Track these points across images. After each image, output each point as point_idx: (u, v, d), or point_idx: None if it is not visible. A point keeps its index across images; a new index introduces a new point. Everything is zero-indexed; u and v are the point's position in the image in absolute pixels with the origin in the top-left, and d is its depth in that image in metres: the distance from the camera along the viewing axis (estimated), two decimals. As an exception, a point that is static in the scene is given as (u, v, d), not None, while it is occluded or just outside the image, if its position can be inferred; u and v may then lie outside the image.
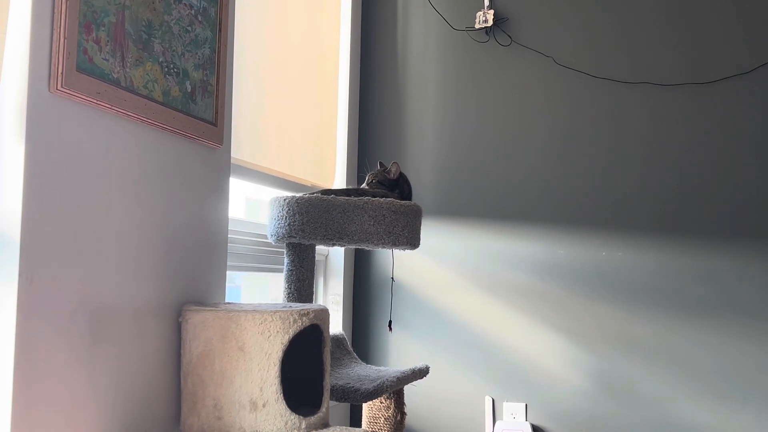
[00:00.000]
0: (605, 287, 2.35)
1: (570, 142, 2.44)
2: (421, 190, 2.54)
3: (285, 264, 1.77)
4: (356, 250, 2.64)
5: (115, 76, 1.28)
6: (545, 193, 2.44)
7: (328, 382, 1.44)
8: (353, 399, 1.65)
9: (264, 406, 1.33)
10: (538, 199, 2.44)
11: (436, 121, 2.60)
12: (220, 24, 1.59)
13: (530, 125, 2.49)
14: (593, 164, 2.40)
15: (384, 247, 1.73)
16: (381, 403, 1.91)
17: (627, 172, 2.38)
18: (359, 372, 1.89)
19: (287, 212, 1.68)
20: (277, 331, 1.34)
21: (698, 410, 2.23)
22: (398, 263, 2.54)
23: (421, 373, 1.96)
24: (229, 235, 1.73)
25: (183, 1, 1.47)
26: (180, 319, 1.44)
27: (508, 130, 2.52)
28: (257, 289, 2.64)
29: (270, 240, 1.75)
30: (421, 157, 2.59)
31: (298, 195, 1.71)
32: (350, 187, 2.17)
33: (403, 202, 1.73)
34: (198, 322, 1.40)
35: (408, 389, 1.99)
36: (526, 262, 2.42)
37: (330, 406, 1.77)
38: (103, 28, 1.25)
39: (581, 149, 2.43)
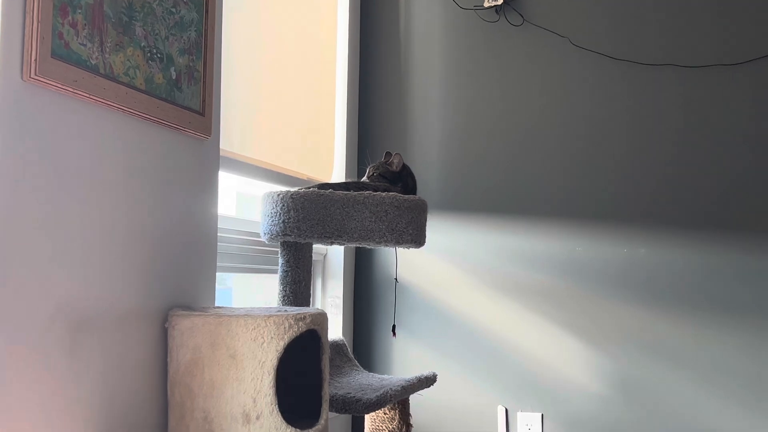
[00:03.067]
0: (627, 287, 2.34)
1: (588, 130, 2.43)
2: (427, 183, 2.53)
3: (279, 264, 1.77)
4: (357, 249, 2.63)
5: (94, 62, 1.27)
6: (562, 186, 2.43)
7: (327, 392, 1.44)
8: (354, 410, 1.65)
9: (258, 418, 1.33)
10: (555, 192, 2.44)
11: (443, 108, 2.59)
12: (206, 5, 1.59)
13: (545, 112, 2.48)
14: (614, 154, 2.40)
15: (387, 246, 1.73)
16: (385, 414, 1.91)
17: (651, 162, 2.36)
18: (361, 381, 1.89)
19: (281, 208, 1.68)
20: (272, 338, 1.34)
21: (728, 420, 2.23)
22: (402, 263, 2.53)
23: (427, 381, 1.96)
24: (218, 234, 1.74)
25: (166, -20, 1.47)
26: (166, 325, 1.44)
27: (520, 118, 2.51)
28: (250, 291, 2.66)
29: (263, 238, 1.76)
30: (427, 147, 2.59)
31: (293, 190, 1.71)
32: (349, 180, 2.17)
33: (407, 196, 1.73)
34: (186, 328, 1.40)
35: (414, 399, 1.99)
36: (541, 261, 2.41)
37: (329, 417, 1.77)
38: (79, 11, 1.24)
39: (601, 138, 2.42)
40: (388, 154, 1.95)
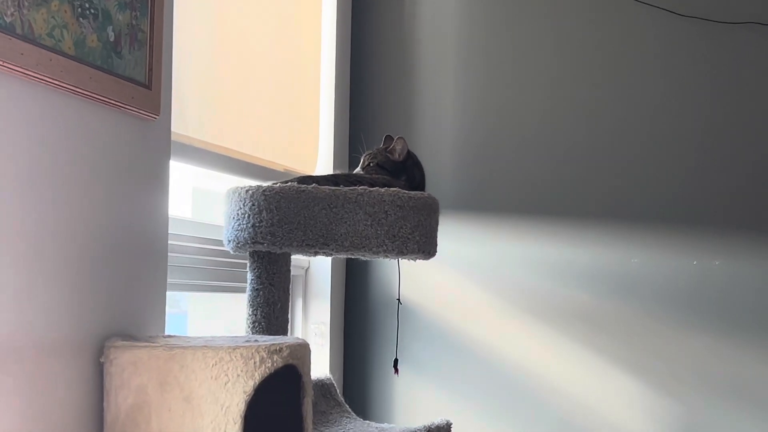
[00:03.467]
0: (698, 310, 2.34)
1: (646, 107, 2.43)
2: (438, 176, 2.50)
3: (248, 281, 1.78)
4: (348, 261, 2.65)
5: (8, 19, 1.26)
6: (614, 181, 2.44)
7: (309, 447, 1.43)
8: (345, 470, 1.65)
9: (220, 480, 1.32)
10: (603, 189, 2.44)
11: (458, 82, 2.60)
12: (154, -55, 1.59)
13: (589, 86, 2.49)
14: (683, 140, 2.40)
15: (387, 257, 1.73)
16: (384, 474, 1.91)
17: (728, 151, 2.37)
18: (353, 431, 1.88)
19: (251, 208, 1.68)
20: (238, 376, 1.34)
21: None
22: (407, 279, 2.50)
23: (439, 431, 1.95)
24: (170, 242, 1.72)
25: None
26: (102, 360, 1.44)
27: (556, 95, 2.52)
28: (210, 316, 2.65)
29: (227, 247, 1.76)
30: (437, 132, 2.60)
31: (266, 184, 1.71)
32: (339, 172, 2.17)
33: (413, 192, 1.73)
34: (127, 363, 1.40)
35: (422, 455, 2.01)
36: (585, 276, 2.42)
37: (313, 479, 1.77)
38: (-12, -48, 1.24)
39: (663, 118, 2.42)
40: (389, 138, 1.96)
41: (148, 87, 1.58)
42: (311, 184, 1.71)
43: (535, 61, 2.55)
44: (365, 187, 1.72)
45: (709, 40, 2.41)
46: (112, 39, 1.48)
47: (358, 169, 1.94)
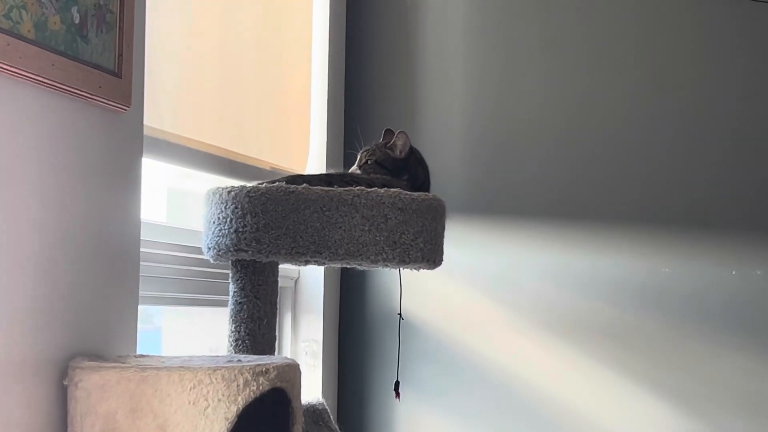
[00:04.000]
0: (738, 325, 2.34)
1: (683, 100, 2.43)
2: (444, 176, 2.47)
3: (231, 294, 1.77)
4: (343, 271, 2.65)
5: (-42, -1, 1.26)
6: (641, 181, 2.45)
7: (300, 480, 1.43)
8: (340, 506, 1.65)
9: None
10: (630, 189, 2.45)
11: (467, 68, 2.61)
12: None
13: (621, 73, 2.49)
14: (717, 135, 2.41)
15: (386, 266, 1.74)
16: None
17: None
18: (349, 463, 1.89)
19: (234, 212, 1.68)
20: (219, 400, 1.34)
21: None
22: (409, 291, 2.46)
23: (446, 463, 1.96)
24: (142, 249, 1.72)
25: None
26: (66, 382, 1.42)
27: (586, 82, 2.52)
28: (187, 333, 2.64)
29: (207, 255, 1.77)
30: (443, 125, 2.60)
31: (250, 185, 1.71)
32: (333, 171, 2.21)
33: (417, 194, 1.73)
34: (94, 386, 1.39)
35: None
36: (610, 288, 2.42)
37: None
38: None
39: (699, 111, 2.42)
40: (389, 133, 1.96)
41: (118, 75, 1.57)
42: (301, 184, 1.71)
43: (561, 39, 2.56)
44: (362, 187, 1.72)
45: (734, 35, 2.41)
46: (77, 21, 1.47)
47: (354, 168, 1.94)
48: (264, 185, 1.70)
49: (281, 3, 2.52)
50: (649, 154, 2.45)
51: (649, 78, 2.48)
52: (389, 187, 1.75)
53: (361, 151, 1.94)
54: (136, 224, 1.66)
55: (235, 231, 1.67)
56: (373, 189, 1.71)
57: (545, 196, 2.52)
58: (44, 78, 1.40)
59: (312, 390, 2.50)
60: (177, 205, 2.36)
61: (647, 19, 2.49)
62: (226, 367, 1.36)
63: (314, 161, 2.62)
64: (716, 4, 2.42)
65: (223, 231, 1.69)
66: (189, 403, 1.34)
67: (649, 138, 2.46)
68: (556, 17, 2.56)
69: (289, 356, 2.45)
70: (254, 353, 1.73)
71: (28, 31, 1.38)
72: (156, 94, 1.91)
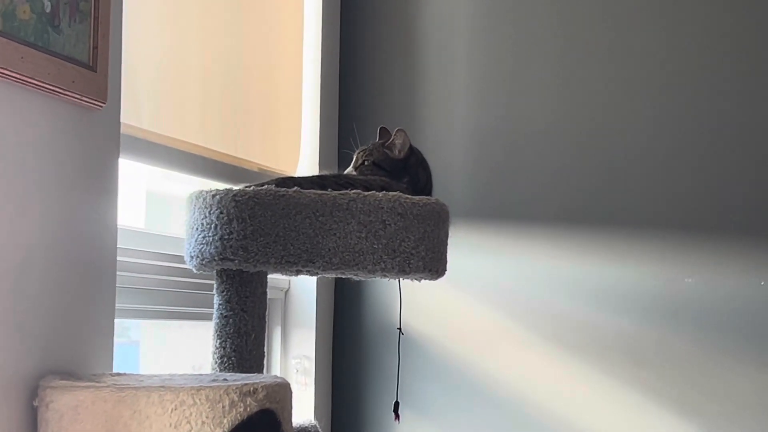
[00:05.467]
0: (767, 341, 2.32)
1: (707, 98, 2.44)
2: (447, 178, 2.49)
3: (215, 306, 1.78)
4: (337, 281, 2.65)
5: None
6: (663, 185, 2.46)
7: None
8: None
9: None
10: (651, 194, 2.47)
11: (471, 62, 2.62)
12: None
13: (641, 72, 2.50)
14: (742, 135, 2.42)
15: (385, 276, 1.74)
16: None
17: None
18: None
19: (218, 217, 1.68)
20: (203, 423, 1.34)
21: None
22: (409, 303, 2.45)
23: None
24: (119, 258, 1.71)
25: None
26: (35, 403, 1.41)
27: (598, 77, 2.53)
28: (168, 348, 2.64)
29: (189, 265, 1.77)
30: (446, 123, 2.62)
31: (236, 188, 1.71)
32: (326, 173, 2.18)
33: (418, 198, 1.73)
34: (67, 407, 1.37)
35: None
36: (628, 300, 2.42)
37: None
38: None
39: (725, 110, 2.43)
40: (385, 131, 1.99)
41: (93, 68, 1.56)
42: (292, 187, 1.71)
43: (575, 31, 2.57)
44: (359, 190, 1.71)
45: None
46: (48, 10, 1.46)
47: (349, 169, 1.95)
48: (252, 188, 1.70)
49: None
50: (669, 156, 2.46)
51: (670, 76, 2.49)
52: (388, 190, 1.76)
53: (357, 151, 1.95)
54: (112, 231, 1.65)
55: (220, 238, 1.68)
56: (370, 192, 1.71)
57: (557, 200, 2.52)
58: (12, 72, 1.39)
59: (304, 411, 2.50)
60: (157, 210, 2.40)
61: (661, 19, 2.50)
62: (210, 386, 1.36)
63: (306, 162, 2.64)
64: (744, 11, 2.44)
65: (207, 238, 1.69)
66: (170, 426, 1.34)
67: (667, 138, 2.47)
68: (567, 9, 2.58)
69: (278, 374, 2.51)
70: (241, 371, 1.73)
71: (-6, 21, 1.37)
72: (134, 89, 1.92)
